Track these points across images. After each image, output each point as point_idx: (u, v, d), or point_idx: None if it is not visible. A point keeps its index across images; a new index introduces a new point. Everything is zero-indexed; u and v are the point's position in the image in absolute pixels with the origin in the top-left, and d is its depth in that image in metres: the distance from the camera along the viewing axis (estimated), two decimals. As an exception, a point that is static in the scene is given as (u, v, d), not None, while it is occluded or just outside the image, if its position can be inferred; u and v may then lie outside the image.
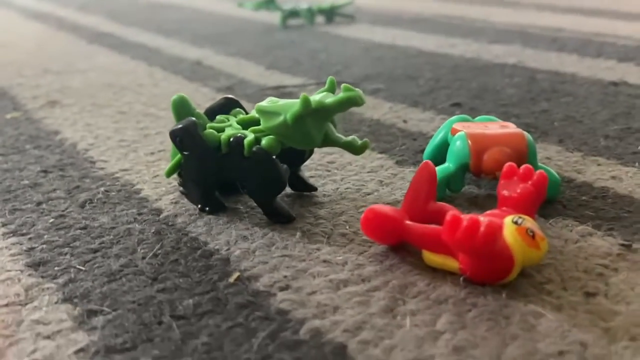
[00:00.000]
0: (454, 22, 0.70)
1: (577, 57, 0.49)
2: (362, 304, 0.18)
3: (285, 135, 0.22)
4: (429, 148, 0.27)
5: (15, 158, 0.30)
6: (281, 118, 0.22)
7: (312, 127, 0.22)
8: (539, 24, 0.65)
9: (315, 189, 0.25)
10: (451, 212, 0.17)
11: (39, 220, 0.24)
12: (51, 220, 0.24)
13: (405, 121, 0.34)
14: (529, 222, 0.18)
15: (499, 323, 0.17)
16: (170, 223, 0.23)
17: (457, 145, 0.24)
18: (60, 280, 0.19)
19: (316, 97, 0.22)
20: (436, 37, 0.61)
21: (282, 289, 0.19)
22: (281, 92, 0.42)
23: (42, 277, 0.20)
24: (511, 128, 0.25)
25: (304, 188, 0.25)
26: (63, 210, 0.24)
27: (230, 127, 0.23)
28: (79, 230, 0.23)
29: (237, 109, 0.25)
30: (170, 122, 0.36)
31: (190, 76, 0.47)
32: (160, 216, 0.24)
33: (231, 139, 0.22)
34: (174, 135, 0.23)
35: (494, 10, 0.78)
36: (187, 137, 0.23)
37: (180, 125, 0.23)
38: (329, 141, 0.23)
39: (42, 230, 0.23)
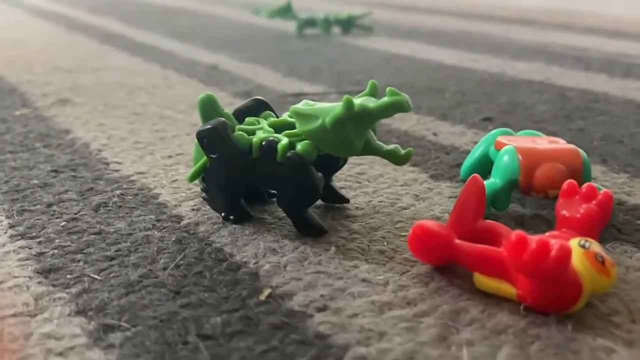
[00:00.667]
0: (474, 37, 0.69)
1: (606, 76, 0.47)
2: (410, 330, 0.16)
3: (323, 141, 0.20)
4: (467, 162, 0.25)
5: (25, 156, 0.29)
6: (319, 122, 0.20)
7: (352, 133, 0.20)
8: (561, 43, 0.64)
9: (348, 201, 0.23)
10: (516, 232, 0.15)
11: (49, 222, 0.22)
12: (63, 223, 0.22)
13: (435, 134, 0.33)
14: (596, 246, 0.16)
15: (567, 359, 0.15)
16: (191, 231, 0.21)
17: (505, 160, 0.22)
18: (73, 290, 0.18)
19: (357, 100, 0.20)
20: (456, 51, 0.59)
21: (319, 310, 0.17)
22: (302, 99, 0.40)
23: (53, 285, 0.18)
24: (562, 144, 0.23)
25: (335, 200, 0.23)
26: (75, 213, 0.23)
27: (261, 130, 0.22)
28: (93, 236, 0.21)
29: (267, 111, 0.23)
30: (187, 126, 0.34)
31: (206, 80, 0.46)
32: (181, 223, 0.22)
33: (263, 143, 0.21)
34: (202, 136, 0.21)
35: (513, 27, 0.77)
36: (215, 138, 0.21)
37: (208, 126, 0.21)
38: (369, 149, 0.21)
39: (53, 234, 0.21)
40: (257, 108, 0.23)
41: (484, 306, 0.17)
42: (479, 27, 0.77)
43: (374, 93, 0.21)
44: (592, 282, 0.16)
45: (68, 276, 0.18)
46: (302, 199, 0.21)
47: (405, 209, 0.23)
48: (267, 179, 0.21)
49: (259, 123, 0.22)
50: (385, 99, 0.20)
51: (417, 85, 0.45)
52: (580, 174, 0.21)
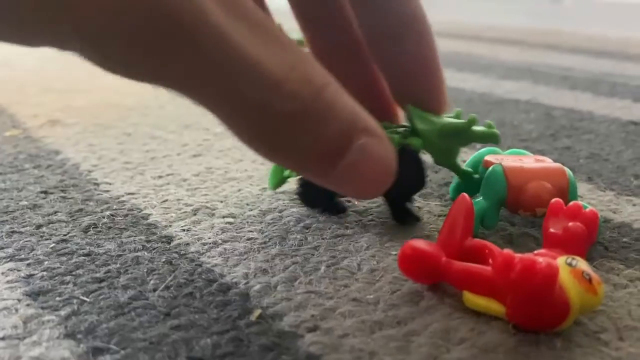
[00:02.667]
0: (462, 57, 0.70)
1: (591, 95, 0.48)
2: (401, 349, 0.16)
3: (432, 143, 0.23)
4: (455, 181, 0.26)
5: (14, 177, 0.29)
6: (435, 126, 0.22)
7: (454, 146, 0.23)
8: (548, 63, 0.65)
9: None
10: (504, 250, 0.16)
11: (38, 244, 0.22)
12: (52, 245, 0.22)
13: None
14: (583, 264, 0.17)
15: (557, 377, 0.15)
16: (182, 252, 0.21)
17: (492, 179, 0.22)
18: (62, 313, 0.17)
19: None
20: (446, 71, 0.60)
21: (310, 330, 0.17)
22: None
23: (42, 308, 0.18)
24: (548, 162, 0.23)
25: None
26: (65, 235, 0.23)
27: None
28: (83, 257, 0.21)
29: None
30: (178, 146, 0.34)
31: (197, 100, 0.46)
32: (171, 244, 0.22)
33: None
34: None
35: (501, 47, 0.78)
36: None
37: None
38: (455, 165, 0.24)
39: (42, 256, 0.21)
40: None
41: (474, 325, 0.17)
42: (468, 48, 0.78)
43: (459, 118, 0.23)
44: (579, 300, 0.16)
45: (57, 298, 0.18)
46: (410, 187, 0.23)
47: (395, 227, 0.23)
48: None
49: None
50: (488, 129, 0.23)
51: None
52: (566, 191, 0.22)
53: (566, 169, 0.23)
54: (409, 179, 0.22)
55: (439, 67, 0.23)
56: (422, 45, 0.22)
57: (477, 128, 0.23)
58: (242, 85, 0.14)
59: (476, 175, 0.24)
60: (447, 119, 0.23)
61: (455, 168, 0.24)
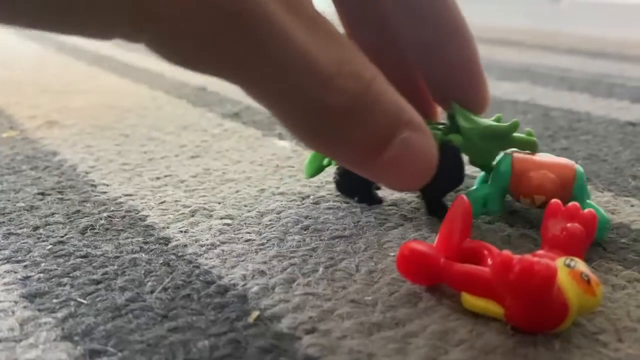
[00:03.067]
0: (459, 58, 0.70)
1: (589, 96, 0.48)
2: (399, 351, 0.16)
3: (473, 142, 0.23)
4: (482, 175, 0.26)
5: (11, 179, 0.29)
6: (478, 126, 0.23)
7: (494, 148, 0.23)
8: (546, 64, 0.65)
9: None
10: (502, 252, 0.16)
11: (35, 246, 0.22)
12: (49, 246, 0.22)
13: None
14: (581, 265, 0.17)
15: (555, 378, 0.15)
16: (179, 254, 0.21)
17: (500, 166, 0.23)
18: (59, 315, 0.17)
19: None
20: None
21: (308, 332, 0.17)
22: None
23: (39, 310, 0.18)
24: (563, 159, 0.23)
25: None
26: (62, 236, 0.22)
27: None
28: (80, 259, 0.21)
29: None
30: (175, 147, 0.34)
31: (195, 101, 0.46)
32: (169, 246, 0.22)
33: None
34: None
35: (499, 48, 0.78)
36: None
37: None
38: (491, 168, 0.24)
39: (39, 258, 0.21)
40: None
41: (473, 326, 0.17)
42: (465, 48, 0.78)
43: (500, 122, 0.23)
44: (578, 302, 0.16)
45: (54, 300, 0.18)
46: (450, 183, 0.23)
47: (393, 228, 0.23)
48: None
49: None
50: (528, 137, 0.23)
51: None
52: (571, 185, 0.22)
53: (578, 166, 0.23)
54: (447, 174, 0.23)
55: (482, 72, 0.24)
56: (464, 52, 0.23)
57: (517, 134, 0.23)
58: (298, 80, 0.15)
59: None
60: (490, 121, 0.23)
61: (491, 170, 0.24)
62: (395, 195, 0.27)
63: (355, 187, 0.25)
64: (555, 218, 0.19)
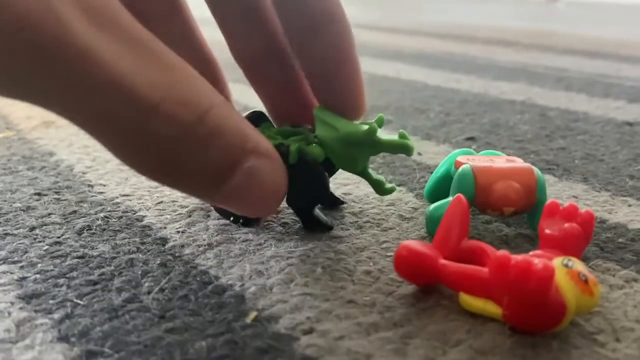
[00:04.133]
0: (457, 58, 0.70)
1: (586, 96, 0.48)
2: (397, 352, 0.16)
3: (332, 151, 0.22)
4: (430, 182, 0.26)
5: (7, 179, 0.28)
6: (336, 134, 0.22)
7: (359, 154, 0.22)
8: (543, 64, 0.65)
9: (344, 202, 0.25)
10: (500, 251, 0.16)
11: (32, 247, 0.22)
12: (45, 247, 0.22)
13: (420, 154, 0.33)
14: (579, 265, 0.17)
15: (553, 378, 0.15)
16: (176, 254, 0.21)
17: (461, 179, 0.22)
18: (56, 316, 0.17)
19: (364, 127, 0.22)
20: (440, 72, 0.60)
21: (305, 332, 0.17)
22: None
23: (36, 311, 0.17)
24: (518, 162, 0.23)
25: (332, 202, 0.25)
26: (59, 237, 0.22)
27: (269, 138, 0.23)
28: (76, 260, 0.21)
29: (266, 122, 0.24)
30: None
31: (192, 101, 0.46)
32: (166, 246, 0.22)
33: (275, 148, 0.22)
34: None
35: (495, 49, 0.78)
36: None
37: None
38: (363, 172, 0.23)
39: (36, 259, 0.21)
40: (257, 119, 0.24)
41: (470, 326, 0.17)
42: (462, 49, 0.78)
43: (381, 125, 0.22)
44: (576, 302, 0.16)
45: (50, 301, 0.18)
46: (312, 197, 0.23)
47: (391, 229, 0.23)
48: None
49: (263, 132, 0.23)
50: (398, 139, 0.21)
51: (402, 105, 0.45)
52: (534, 191, 0.22)
53: (535, 168, 0.22)
54: (308, 188, 0.22)
55: (357, 68, 0.22)
56: (337, 44, 0.21)
57: (385, 137, 0.21)
58: (115, 106, 0.14)
59: (391, 185, 0.23)
60: (354, 125, 0.22)
61: (365, 176, 0.23)
62: (393, 196, 0.27)
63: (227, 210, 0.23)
64: (552, 218, 0.19)
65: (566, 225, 0.18)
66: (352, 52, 0.21)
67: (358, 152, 0.22)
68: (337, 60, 0.21)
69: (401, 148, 0.21)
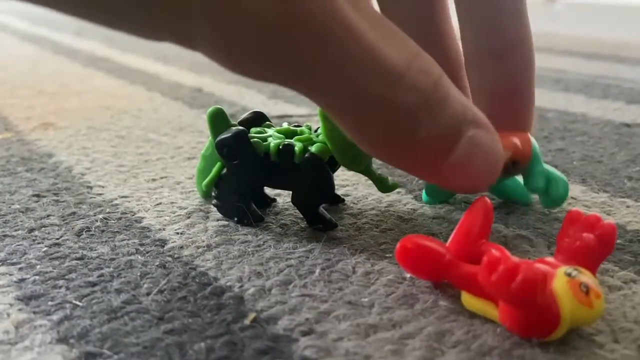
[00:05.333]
0: (455, 60, 0.70)
1: (584, 97, 0.48)
2: (396, 353, 0.16)
3: (338, 149, 0.22)
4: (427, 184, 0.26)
5: (6, 180, 0.28)
6: (341, 133, 0.21)
7: (363, 153, 0.22)
8: (541, 65, 0.65)
9: (343, 200, 0.25)
10: (492, 251, 0.15)
11: (31, 248, 0.22)
12: (44, 248, 0.22)
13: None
14: (584, 276, 0.16)
15: (552, 379, 0.15)
16: (175, 255, 0.21)
17: None
18: (55, 317, 0.17)
19: None
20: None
21: (304, 334, 0.17)
22: (287, 121, 0.40)
23: (34, 312, 0.17)
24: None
25: (332, 199, 0.25)
26: (57, 239, 0.22)
27: (271, 137, 0.23)
28: (75, 261, 0.21)
29: (267, 122, 0.25)
30: (171, 149, 0.34)
31: (191, 102, 0.46)
32: (165, 247, 0.22)
33: (280, 147, 0.22)
34: (222, 145, 0.22)
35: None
36: (238, 145, 0.22)
37: (229, 134, 0.22)
38: (366, 170, 0.23)
39: (35, 260, 0.21)
40: (258, 120, 0.25)
41: (469, 327, 0.17)
42: (461, 50, 0.78)
43: None
44: (572, 312, 0.16)
45: (49, 303, 0.18)
46: (318, 195, 0.23)
47: (389, 230, 0.23)
48: (284, 180, 0.23)
49: (265, 132, 0.24)
50: None
51: (400, 107, 0.45)
52: (529, 146, 0.23)
53: (532, 137, 0.24)
54: (314, 186, 0.23)
55: (532, 90, 0.23)
56: (521, 68, 0.22)
57: None
58: (367, 79, 0.14)
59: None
60: None
61: (368, 174, 0.23)
62: (392, 197, 0.27)
63: (235, 209, 0.23)
64: (573, 227, 0.18)
65: (583, 235, 0.18)
66: (533, 75, 0.23)
67: (362, 151, 0.22)
68: (518, 84, 0.22)
69: None
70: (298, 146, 0.22)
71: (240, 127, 0.23)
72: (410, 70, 0.15)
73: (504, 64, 0.22)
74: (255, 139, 0.23)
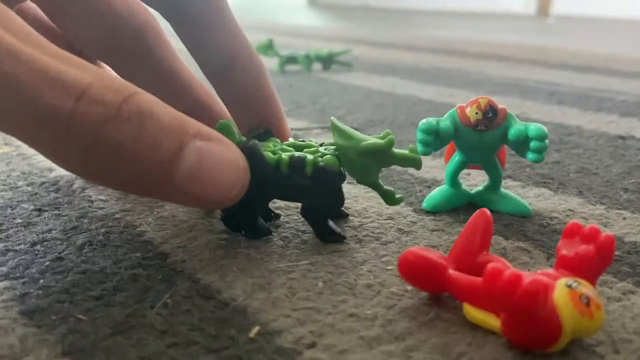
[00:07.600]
0: (450, 73, 0.70)
1: (579, 110, 0.49)
2: (400, 365, 0.16)
3: (348, 160, 0.23)
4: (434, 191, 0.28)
5: (7, 195, 0.28)
6: (354, 142, 0.22)
7: (373, 165, 0.23)
8: (535, 78, 0.66)
9: (347, 215, 0.26)
10: (493, 263, 0.16)
11: (33, 262, 0.22)
12: (47, 263, 0.22)
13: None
14: (585, 288, 0.16)
15: (554, 390, 0.15)
16: (178, 269, 0.21)
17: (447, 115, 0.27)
18: (59, 331, 0.17)
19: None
20: (434, 86, 0.61)
21: (309, 347, 0.17)
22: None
23: (39, 327, 0.18)
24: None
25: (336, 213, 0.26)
26: (60, 253, 0.22)
27: (281, 150, 0.24)
28: (79, 275, 0.21)
29: (273, 137, 0.25)
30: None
31: (189, 116, 0.46)
32: (167, 261, 0.22)
33: (292, 160, 0.23)
34: None
35: (488, 63, 0.79)
36: (251, 158, 0.22)
37: (242, 147, 0.22)
38: (374, 183, 0.24)
39: (38, 274, 0.21)
40: (264, 135, 0.25)
41: (471, 339, 0.17)
42: (455, 63, 0.79)
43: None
44: (573, 324, 0.16)
45: (53, 317, 0.18)
46: (328, 207, 0.23)
47: (390, 242, 0.24)
48: (294, 193, 0.23)
49: (274, 146, 0.24)
50: (409, 153, 0.23)
51: (397, 120, 0.46)
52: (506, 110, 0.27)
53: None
54: (325, 199, 0.23)
55: (274, 98, 0.25)
56: (249, 76, 0.24)
57: (398, 151, 0.23)
58: (45, 93, 0.14)
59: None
60: (369, 137, 0.23)
61: (376, 187, 0.24)
62: (390, 209, 0.27)
63: (243, 222, 0.24)
64: (572, 239, 0.18)
65: (582, 247, 0.18)
66: (267, 82, 0.25)
67: (372, 163, 0.23)
68: (251, 90, 0.25)
69: (412, 162, 0.23)
70: (309, 159, 0.23)
71: (253, 140, 0.23)
72: (94, 85, 0.15)
73: (231, 77, 0.24)
74: (267, 152, 0.23)
